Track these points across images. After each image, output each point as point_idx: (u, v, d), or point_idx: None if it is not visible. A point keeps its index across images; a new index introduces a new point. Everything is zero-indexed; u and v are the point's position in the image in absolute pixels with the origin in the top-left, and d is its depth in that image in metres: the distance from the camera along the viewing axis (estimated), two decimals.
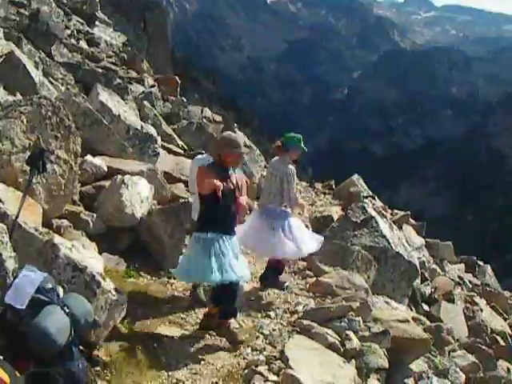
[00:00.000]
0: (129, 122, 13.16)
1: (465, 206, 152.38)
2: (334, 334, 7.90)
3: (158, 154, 13.57)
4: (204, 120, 22.00)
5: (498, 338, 14.61)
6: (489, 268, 21.20)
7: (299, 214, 12.05)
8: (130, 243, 10.22)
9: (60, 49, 18.44)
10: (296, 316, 8.84)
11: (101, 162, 11.28)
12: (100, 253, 8.95)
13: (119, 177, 10.41)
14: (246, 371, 7.06)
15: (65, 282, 6.45)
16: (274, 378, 6.81)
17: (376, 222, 13.16)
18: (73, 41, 20.55)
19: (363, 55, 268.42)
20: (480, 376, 11.73)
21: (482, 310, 15.85)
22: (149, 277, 9.68)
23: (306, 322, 8.14)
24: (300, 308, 9.20)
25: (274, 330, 8.41)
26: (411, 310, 13.03)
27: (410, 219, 18.51)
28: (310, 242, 10.01)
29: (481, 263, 21.41)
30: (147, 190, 10.72)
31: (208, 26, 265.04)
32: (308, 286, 10.49)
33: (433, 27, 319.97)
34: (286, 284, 10.27)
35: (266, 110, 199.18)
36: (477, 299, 16.63)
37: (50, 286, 5.57)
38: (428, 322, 11.85)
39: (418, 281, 14.40)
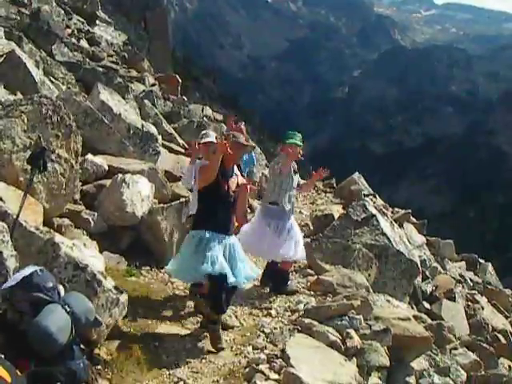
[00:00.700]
0: (129, 120, 13.17)
1: (465, 203, 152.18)
2: (335, 333, 7.90)
3: (159, 152, 13.58)
4: (205, 119, 22.03)
5: (500, 336, 14.62)
6: (490, 266, 21.19)
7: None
8: (130, 242, 10.24)
9: (61, 48, 18.44)
10: (297, 314, 8.84)
11: (102, 160, 11.28)
12: (101, 251, 8.97)
13: (120, 176, 10.42)
14: (247, 370, 7.05)
15: (66, 280, 6.45)
16: (275, 376, 6.81)
17: (377, 221, 13.17)
18: (73, 40, 20.54)
19: (363, 54, 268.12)
20: (481, 374, 11.75)
21: (483, 308, 15.85)
22: (150, 275, 9.69)
23: (307, 321, 8.14)
24: (301, 306, 9.21)
25: (275, 328, 8.41)
26: (412, 308, 13.03)
27: (411, 217, 18.51)
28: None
29: (482, 261, 21.41)
30: (148, 189, 10.73)
31: (208, 24, 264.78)
32: (309, 284, 10.49)
33: (433, 25, 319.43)
34: (295, 289, 10.21)
35: (267, 109, 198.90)
36: (478, 297, 16.64)
37: (50, 284, 5.58)
38: (429, 320, 11.85)
39: (419, 279, 14.40)
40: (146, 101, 17.78)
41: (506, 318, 16.94)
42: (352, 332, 7.99)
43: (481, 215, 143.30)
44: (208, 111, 25.28)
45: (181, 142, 16.95)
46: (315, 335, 7.80)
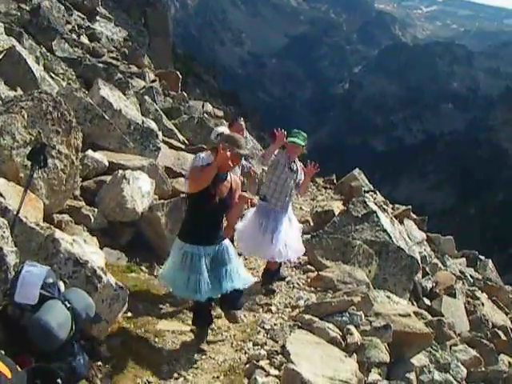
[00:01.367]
0: (130, 116, 13.16)
1: (466, 200, 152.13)
2: (336, 329, 7.92)
3: (159, 148, 13.56)
4: (205, 115, 22.01)
5: (500, 333, 14.60)
6: (490, 262, 21.20)
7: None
8: (131, 238, 10.24)
9: (61, 44, 18.43)
10: (297, 310, 8.85)
11: (102, 156, 11.28)
12: (101, 248, 8.97)
13: (120, 172, 10.42)
14: (247, 366, 7.08)
15: (66, 276, 6.45)
16: (276, 372, 6.83)
17: (377, 217, 13.18)
18: (74, 36, 20.53)
19: (364, 50, 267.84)
20: (481, 370, 11.75)
21: (483, 305, 15.85)
22: (150, 272, 9.69)
23: (307, 317, 8.16)
24: (301, 302, 9.22)
25: (275, 324, 8.42)
26: (412, 304, 13.03)
27: (411, 214, 18.52)
28: (297, 245, 10.03)
29: (482, 257, 21.41)
30: (148, 185, 10.72)
31: (209, 20, 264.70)
32: (309, 280, 10.50)
33: (434, 21, 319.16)
34: (284, 276, 10.36)
35: (267, 105, 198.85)
36: (478, 293, 16.63)
37: (51, 280, 5.59)
38: (429, 317, 11.84)
39: (419, 275, 14.40)
40: (146, 97, 17.76)
41: (506, 314, 16.94)
42: (352, 328, 8.01)
43: (481, 212, 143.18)
44: (208, 107, 25.29)
45: (181, 138, 16.95)
46: (315, 331, 7.81)
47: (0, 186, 7.50)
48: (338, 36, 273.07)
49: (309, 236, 12.27)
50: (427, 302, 14.11)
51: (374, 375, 7.80)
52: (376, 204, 14.35)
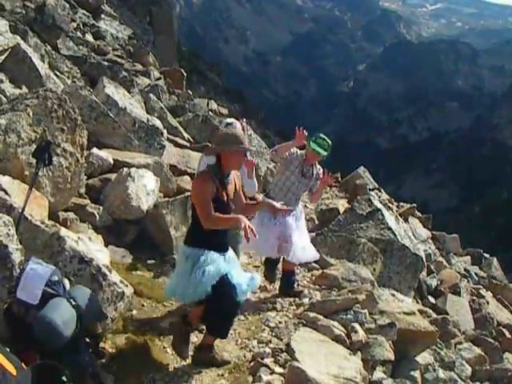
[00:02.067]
0: (135, 114, 13.17)
1: (470, 198, 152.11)
2: (340, 327, 7.91)
3: (164, 146, 13.57)
4: (210, 113, 22.04)
5: (505, 331, 14.60)
6: (495, 261, 21.19)
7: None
8: (136, 236, 10.23)
9: (66, 42, 18.47)
10: (302, 308, 8.84)
11: (107, 154, 11.29)
12: (106, 245, 8.98)
13: (125, 169, 10.44)
14: (252, 363, 7.07)
15: (71, 274, 6.46)
16: (280, 370, 6.83)
17: (382, 215, 13.17)
18: (79, 34, 20.56)
19: (369, 48, 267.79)
20: (486, 368, 11.74)
21: (488, 303, 15.85)
22: (155, 269, 9.69)
23: (312, 315, 8.15)
24: (306, 300, 9.20)
25: (280, 322, 8.41)
26: (417, 302, 13.04)
27: (416, 212, 18.51)
28: (309, 249, 9.55)
29: (487, 256, 21.39)
30: (153, 183, 10.73)
31: (214, 18, 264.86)
32: (314, 278, 10.49)
33: (438, 19, 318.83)
34: (299, 290, 9.83)
35: (272, 103, 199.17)
36: (483, 292, 16.64)
37: (56, 278, 5.60)
38: (434, 315, 11.85)
39: (424, 273, 14.42)
40: (151, 95, 17.78)
41: (511, 312, 16.94)
42: (357, 326, 8.00)
43: (486, 210, 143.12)
44: (213, 105, 25.36)
45: (186, 135, 16.96)
46: (320, 329, 7.80)
47: (5, 184, 7.51)
48: (342, 34, 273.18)
49: (314, 234, 12.25)
50: (432, 300, 14.13)
51: (378, 373, 7.80)
52: (381, 202, 14.34)
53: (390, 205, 15.69)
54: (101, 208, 9.95)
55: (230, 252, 6.76)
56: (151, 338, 7.35)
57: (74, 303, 5.53)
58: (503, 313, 16.32)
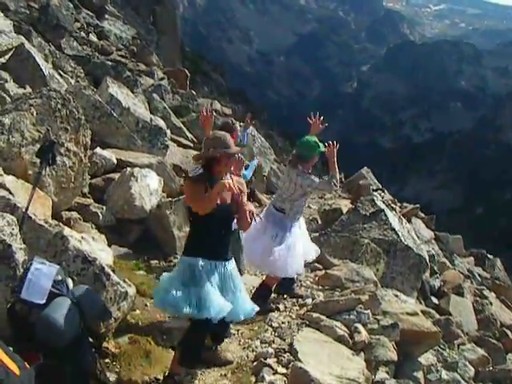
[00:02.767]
0: (138, 114, 13.18)
1: (474, 199, 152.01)
2: (343, 327, 7.90)
3: (167, 146, 13.59)
4: (213, 113, 22.02)
5: (508, 332, 14.58)
6: (498, 261, 21.17)
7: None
8: (139, 235, 10.24)
9: (70, 42, 18.50)
10: (305, 309, 8.83)
11: (110, 154, 11.31)
12: (109, 245, 8.98)
13: (128, 169, 10.44)
14: (254, 363, 7.06)
15: (74, 274, 6.46)
16: (283, 370, 6.82)
17: (385, 215, 13.15)
18: (82, 34, 20.60)
19: (372, 48, 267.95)
20: (489, 369, 11.73)
21: (491, 304, 15.82)
22: (158, 269, 9.68)
23: (315, 315, 8.14)
24: (309, 301, 9.19)
25: (283, 322, 8.40)
26: (420, 303, 13.01)
27: (419, 212, 18.49)
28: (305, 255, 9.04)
29: (490, 256, 21.37)
30: (156, 183, 10.73)
31: (217, 18, 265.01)
32: (317, 278, 10.47)
33: (442, 20, 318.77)
34: (301, 294, 9.60)
35: (275, 103, 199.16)
36: (486, 293, 16.61)
37: (59, 278, 5.61)
38: (437, 316, 11.82)
39: (427, 274, 14.38)
40: (154, 95, 17.81)
41: None
42: (360, 327, 7.98)
43: (489, 211, 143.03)
44: (216, 105, 25.32)
45: (189, 136, 16.98)
46: (323, 329, 7.79)
47: (9, 184, 7.52)
48: (346, 34, 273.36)
49: (317, 234, 12.25)
50: (435, 300, 14.11)
51: (381, 374, 7.78)
52: (384, 202, 14.31)
53: (393, 205, 15.66)
54: (104, 208, 9.95)
55: (230, 265, 6.37)
56: (154, 337, 7.35)
57: (77, 303, 5.54)
58: (506, 314, 16.29)
